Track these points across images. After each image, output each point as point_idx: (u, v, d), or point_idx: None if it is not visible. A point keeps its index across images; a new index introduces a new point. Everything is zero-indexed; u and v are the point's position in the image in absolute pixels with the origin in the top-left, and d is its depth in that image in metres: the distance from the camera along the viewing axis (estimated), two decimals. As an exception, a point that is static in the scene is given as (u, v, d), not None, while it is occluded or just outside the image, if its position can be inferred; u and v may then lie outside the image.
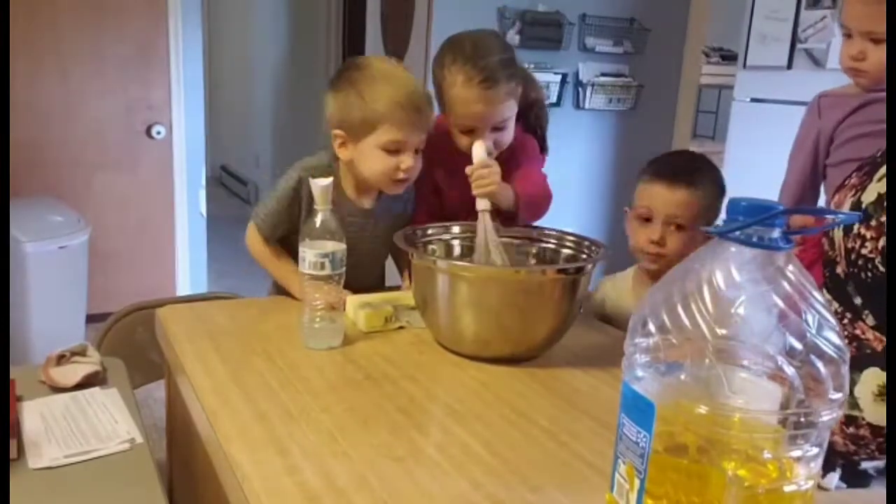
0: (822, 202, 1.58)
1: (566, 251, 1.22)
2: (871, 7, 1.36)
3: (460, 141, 1.35)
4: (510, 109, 1.35)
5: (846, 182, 0.93)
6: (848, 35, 1.44)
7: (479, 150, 1.28)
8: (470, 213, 1.32)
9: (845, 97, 1.49)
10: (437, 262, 1.10)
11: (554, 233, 1.26)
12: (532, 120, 1.48)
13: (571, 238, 1.23)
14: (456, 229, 1.28)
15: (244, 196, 6.53)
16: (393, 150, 1.25)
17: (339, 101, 1.27)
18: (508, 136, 1.37)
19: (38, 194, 3.00)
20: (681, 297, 0.56)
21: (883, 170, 0.81)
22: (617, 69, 3.71)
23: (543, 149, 1.52)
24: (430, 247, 1.25)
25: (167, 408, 1.29)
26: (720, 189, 1.31)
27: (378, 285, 1.45)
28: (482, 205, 1.24)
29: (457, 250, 1.27)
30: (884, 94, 1.42)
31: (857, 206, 0.82)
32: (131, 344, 1.46)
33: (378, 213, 1.36)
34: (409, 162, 1.26)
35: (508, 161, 1.37)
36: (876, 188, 0.79)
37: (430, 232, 1.26)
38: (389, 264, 1.51)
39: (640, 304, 0.60)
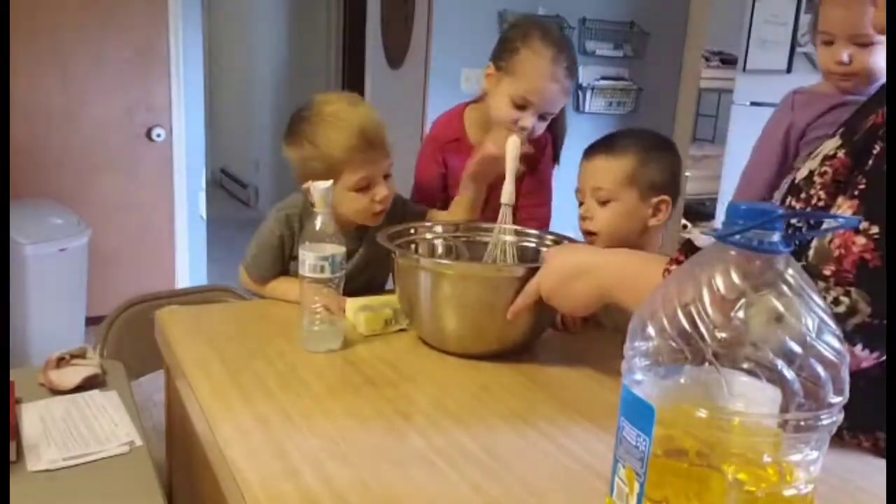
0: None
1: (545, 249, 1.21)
2: (856, 11, 1.37)
3: (505, 111, 1.37)
4: (563, 102, 1.42)
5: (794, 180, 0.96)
6: (829, 42, 1.44)
7: (512, 146, 1.25)
8: (487, 203, 1.39)
9: (819, 95, 1.50)
10: (421, 261, 1.13)
11: (534, 232, 1.26)
12: (557, 124, 1.51)
13: (551, 238, 1.24)
14: (438, 228, 1.30)
15: (244, 199, 6.53)
16: (364, 187, 1.26)
17: (296, 156, 1.29)
18: (544, 127, 1.42)
19: (38, 196, 3.01)
20: (681, 300, 0.56)
21: (819, 149, 0.88)
22: (617, 73, 3.71)
23: (556, 157, 1.56)
24: (412, 245, 1.25)
25: (166, 410, 1.28)
26: (647, 152, 1.25)
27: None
28: (507, 197, 1.22)
29: (439, 249, 1.28)
30: (855, 98, 1.42)
31: (791, 184, 0.90)
32: (134, 337, 1.47)
33: (365, 241, 1.35)
34: (382, 192, 1.27)
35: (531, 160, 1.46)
36: (808, 166, 0.88)
37: (412, 231, 1.26)
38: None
39: (640, 307, 0.60)
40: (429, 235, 1.28)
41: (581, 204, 1.30)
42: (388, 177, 1.30)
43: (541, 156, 1.52)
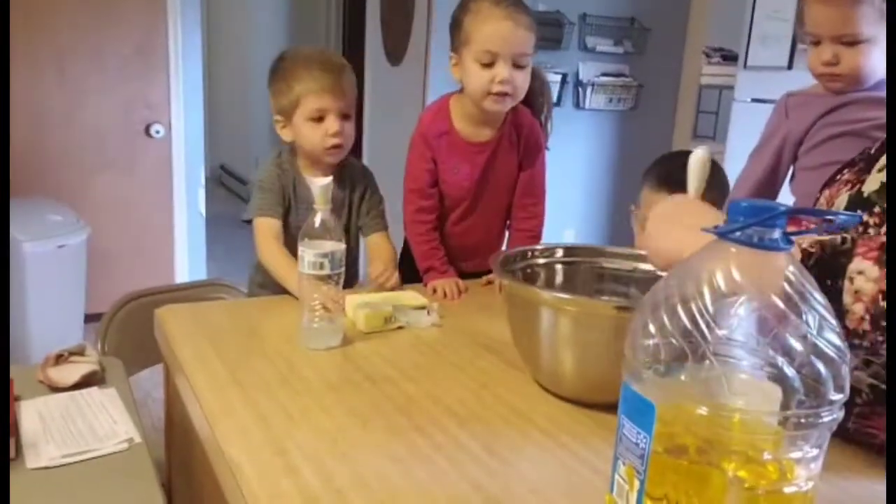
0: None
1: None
2: (841, 11, 1.34)
3: (477, 79, 1.37)
4: (531, 44, 1.38)
5: (838, 177, 0.93)
6: (816, 42, 1.42)
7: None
8: (479, 194, 1.48)
9: (815, 97, 1.47)
10: (541, 294, 0.96)
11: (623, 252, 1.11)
12: (538, 105, 1.55)
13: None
14: (559, 253, 1.12)
15: (243, 195, 6.52)
16: (318, 118, 1.36)
17: (272, 91, 1.41)
18: (526, 80, 1.40)
19: (37, 194, 3.00)
20: (681, 297, 0.56)
21: (883, 160, 0.83)
22: (617, 69, 3.71)
23: (546, 135, 1.58)
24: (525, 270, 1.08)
25: (166, 408, 1.28)
26: (722, 191, 1.28)
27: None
28: None
29: (559, 277, 1.10)
30: (856, 95, 1.40)
31: (857, 196, 0.84)
32: (135, 331, 1.47)
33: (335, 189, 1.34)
34: (334, 127, 1.36)
35: (524, 159, 1.51)
36: (878, 178, 0.81)
37: (528, 255, 1.11)
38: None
39: (641, 306, 0.60)
40: (543, 260, 1.11)
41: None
42: (348, 118, 1.39)
43: (536, 154, 1.52)
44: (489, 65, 1.36)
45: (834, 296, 0.70)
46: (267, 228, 1.37)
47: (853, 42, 1.35)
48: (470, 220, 1.53)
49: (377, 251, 1.45)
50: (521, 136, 1.50)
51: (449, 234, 1.53)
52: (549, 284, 1.09)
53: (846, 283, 0.71)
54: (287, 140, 1.43)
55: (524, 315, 0.96)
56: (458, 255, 1.52)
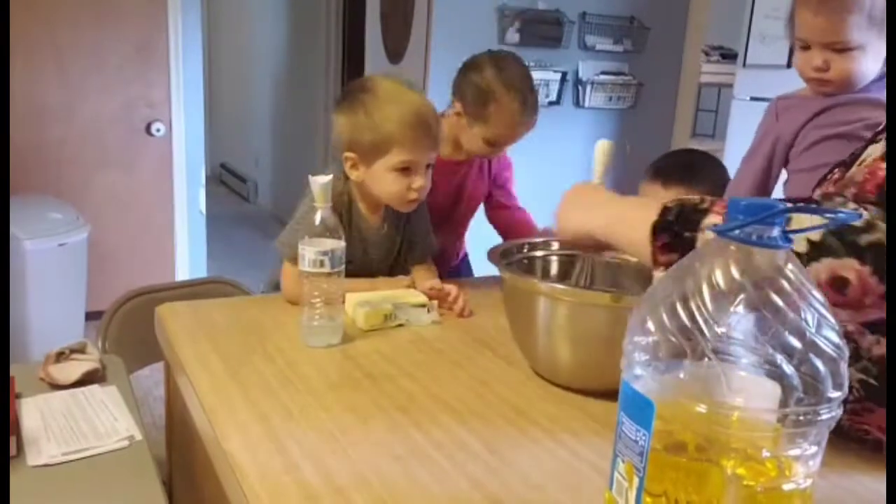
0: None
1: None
2: (831, 19, 1.35)
3: (478, 147, 1.55)
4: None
5: (828, 177, 0.94)
6: (805, 46, 1.42)
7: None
8: (449, 211, 1.60)
9: (804, 100, 1.48)
10: (538, 285, 1.00)
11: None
12: None
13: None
14: (555, 245, 1.16)
15: (244, 194, 6.53)
16: (405, 169, 1.26)
17: (348, 123, 1.27)
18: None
19: (38, 192, 3.00)
20: (680, 295, 0.56)
21: (866, 153, 0.85)
22: (617, 67, 3.70)
23: None
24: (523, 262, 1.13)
25: (166, 406, 1.29)
26: (721, 186, 1.29)
27: None
28: None
29: (555, 267, 1.15)
30: (845, 98, 1.41)
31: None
32: (136, 328, 1.47)
33: (388, 226, 1.38)
34: (420, 182, 1.27)
35: (500, 172, 1.73)
36: (861, 171, 0.83)
37: (525, 248, 1.15)
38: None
39: (640, 303, 0.60)
40: (541, 253, 1.16)
41: None
42: (430, 168, 1.30)
43: (508, 171, 1.74)
44: (493, 145, 1.54)
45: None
46: (296, 275, 1.17)
47: (843, 49, 1.36)
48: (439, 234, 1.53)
49: (428, 272, 1.41)
50: (490, 161, 1.69)
51: None
52: (546, 276, 1.14)
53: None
54: (354, 179, 1.31)
55: (522, 305, 1.00)
56: None
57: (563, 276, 1.12)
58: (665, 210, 0.80)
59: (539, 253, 1.15)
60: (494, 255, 1.04)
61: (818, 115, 1.43)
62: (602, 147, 1.03)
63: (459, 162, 1.62)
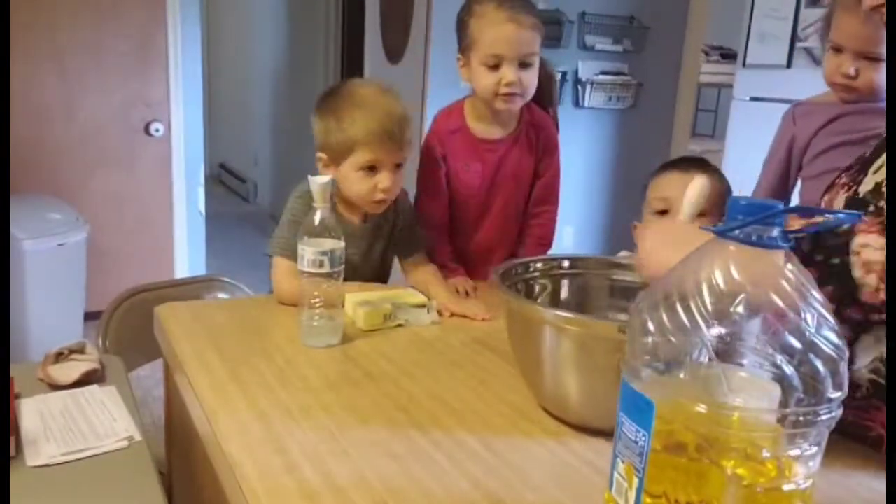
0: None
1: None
2: (871, 28, 1.34)
3: (485, 81, 1.38)
4: (537, 43, 1.39)
5: (836, 182, 0.94)
6: (837, 49, 1.42)
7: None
8: (492, 193, 1.48)
9: (819, 106, 1.49)
10: (544, 313, 0.86)
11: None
12: (546, 96, 1.56)
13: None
14: (566, 263, 1.06)
15: (243, 194, 6.53)
16: (370, 168, 1.28)
17: (320, 125, 1.31)
18: (534, 78, 1.41)
19: (37, 192, 3.00)
20: (680, 295, 0.56)
21: (879, 161, 0.85)
22: (616, 67, 3.71)
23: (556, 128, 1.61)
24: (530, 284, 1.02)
25: (166, 406, 1.28)
26: (727, 186, 1.29)
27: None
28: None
29: (564, 292, 1.05)
30: (857, 106, 1.41)
31: (853, 198, 0.86)
32: (135, 326, 1.47)
33: (369, 231, 1.38)
34: (386, 182, 1.28)
35: (541, 160, 1.53)
36: (873, 179, 0.84)
37: (532, 269, 1.04)
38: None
39: (640, 303, 0.60)
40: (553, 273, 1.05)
41: (663, 212, 1.26)
42: (399, 167, 1.31)
43: (553, 155, 1.55)
44: (496, 67, 1.37)
45: (842, 274, 0.72)
46: (287, 269, 1.25)
47: (877, 59, 1.36)
48: (485, 225, 1.52)
49: (434, 278, 1.39)
50: (539, 137, 1.52)
51: (464, 242, 1.53)
52: (554, 299, 1.03)
53: (853, 258, 0.72)
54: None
55: (525, 333, 0.90)
56: (477, 262, 1.52)
57: (573, 299, 1.03)
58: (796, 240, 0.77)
59: (546, 273, 1.04)
60: (495, 276, 0.94)
61: (829, 123, 1.45)
62: (698, 185, 0.91)
63: (495, 140, 1.48)
